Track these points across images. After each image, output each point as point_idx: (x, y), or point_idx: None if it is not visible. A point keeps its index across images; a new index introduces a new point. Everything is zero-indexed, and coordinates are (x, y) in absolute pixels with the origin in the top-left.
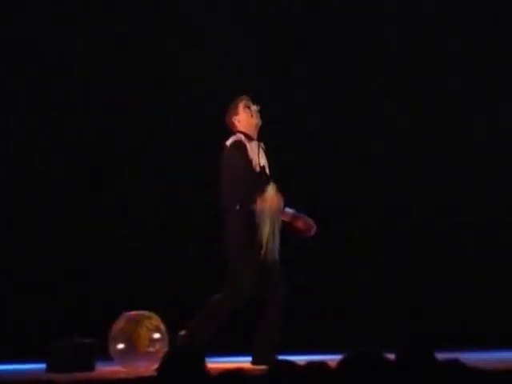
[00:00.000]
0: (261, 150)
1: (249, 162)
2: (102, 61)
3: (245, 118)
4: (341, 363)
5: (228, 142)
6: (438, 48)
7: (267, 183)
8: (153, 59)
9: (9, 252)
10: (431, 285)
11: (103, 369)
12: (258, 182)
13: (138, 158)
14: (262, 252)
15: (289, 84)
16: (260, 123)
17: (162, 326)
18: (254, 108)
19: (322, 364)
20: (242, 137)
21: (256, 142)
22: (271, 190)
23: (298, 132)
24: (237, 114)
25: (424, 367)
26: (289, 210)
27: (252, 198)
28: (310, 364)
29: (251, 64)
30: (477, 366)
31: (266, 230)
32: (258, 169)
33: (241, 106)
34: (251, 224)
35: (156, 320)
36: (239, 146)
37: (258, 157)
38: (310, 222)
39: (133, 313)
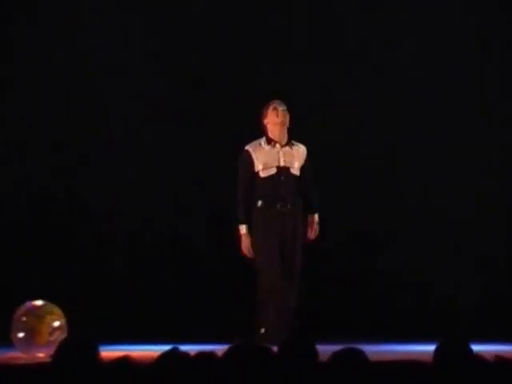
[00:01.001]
0: (287, 151)
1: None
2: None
3: (271, 119)
4: (226, 354)
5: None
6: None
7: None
8: None
9: None
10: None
11: (2, 355)
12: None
13: None
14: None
15: None
16: (286, 123)
17: (63, 317)
18: (281, 109)
19: (211, 354)
20: (260, 141)
21: (279, 144)
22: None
23: None
24: (266, 116)
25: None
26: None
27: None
28: (199, 353)
29: None
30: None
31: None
32: (272, 171)
33: (270, 108)
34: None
35: (57, 314)
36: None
37: (284, 158)
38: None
39: (36, 305)
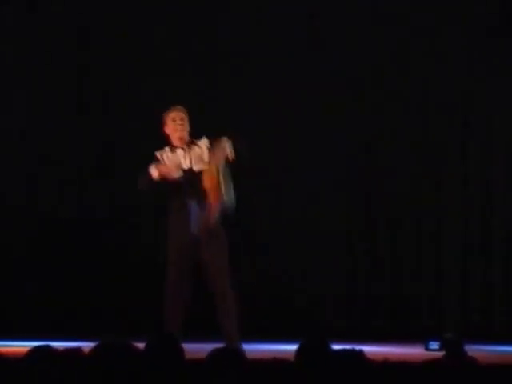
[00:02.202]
0: (192, 151)
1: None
2: None
3: (171, 131)
4: (92, 351)
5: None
6: None
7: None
8: None
9: None
10: None
11: None
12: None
13: None
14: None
15: None
16: (184, 136)
17: None
18: (179, 122)
19: (77, 350)
20: (165, 149)
21: (183, 148)
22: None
23: None
24: (165, 124)
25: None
26: None
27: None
28: (66, 349)
29: None
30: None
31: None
32: (178, 174)
33: (169, 118)
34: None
35: None
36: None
37: (187, 161)
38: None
39: None
